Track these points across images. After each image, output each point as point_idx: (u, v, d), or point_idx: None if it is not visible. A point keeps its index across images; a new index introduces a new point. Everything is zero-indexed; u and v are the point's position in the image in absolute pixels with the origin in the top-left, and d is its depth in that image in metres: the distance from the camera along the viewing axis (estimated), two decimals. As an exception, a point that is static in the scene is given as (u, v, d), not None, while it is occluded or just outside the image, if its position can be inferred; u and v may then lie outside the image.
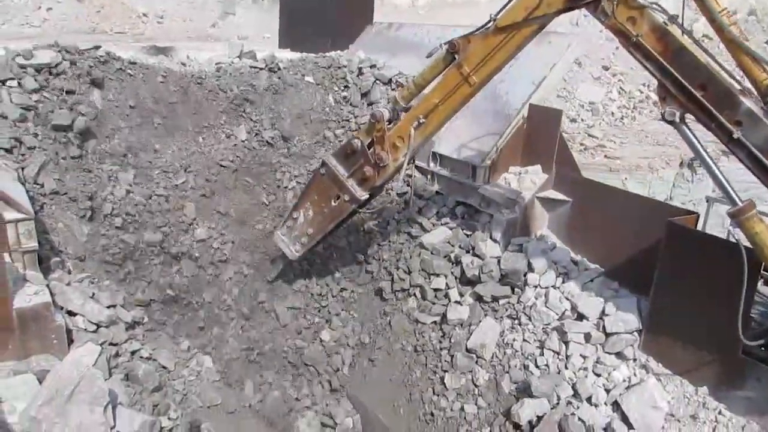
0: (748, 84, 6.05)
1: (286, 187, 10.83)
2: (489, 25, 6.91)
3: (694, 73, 5.87)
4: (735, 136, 5.72)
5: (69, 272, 7.51)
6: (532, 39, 7.01)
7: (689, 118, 6.18)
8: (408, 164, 7.93)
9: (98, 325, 7.16)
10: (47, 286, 6.82)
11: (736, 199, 5.92)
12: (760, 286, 7.12)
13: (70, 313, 7.08)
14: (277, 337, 9.78)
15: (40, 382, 5.96)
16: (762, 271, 6.59)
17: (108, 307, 7.40)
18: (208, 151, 10.35)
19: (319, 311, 10.34)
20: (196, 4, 23.93)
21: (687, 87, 5.89)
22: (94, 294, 7.38)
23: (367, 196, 8.33)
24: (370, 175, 7.97)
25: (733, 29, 5.92)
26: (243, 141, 10.84)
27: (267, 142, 10.99)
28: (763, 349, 6.41)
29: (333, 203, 8.40)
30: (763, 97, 5.83)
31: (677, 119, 6.10)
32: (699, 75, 5.86)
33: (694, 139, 6.20)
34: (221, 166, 10.35)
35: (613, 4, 6.05)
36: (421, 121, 7.49)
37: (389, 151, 7.76)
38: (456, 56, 7.11)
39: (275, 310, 9.91)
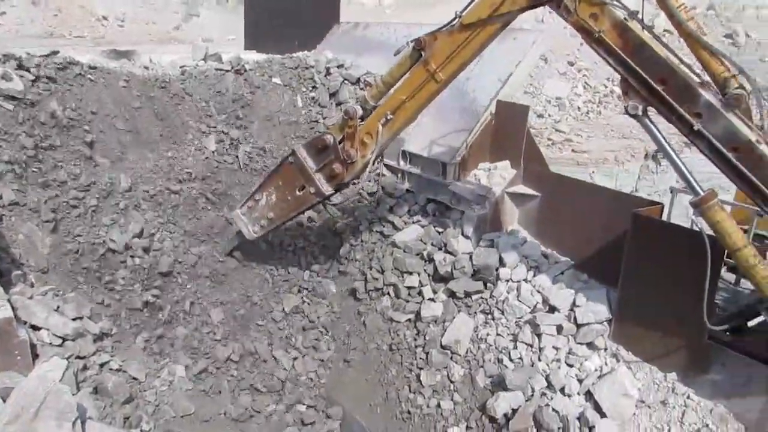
0: (707, 77, 6.18)
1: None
2: (454, 22, 7.03)
3: (654, 68, 6.00)
4: (695, 128, 5.86)
5: (32, 285, 7.30)
6: (497, 36, 7.13)
7: (652, 111, 6.31)
8: (375, 161, 8.03)
9: (64, 339, 6.98)
10: (8, 300, 6.61)
11: (698, 189, 6.04)
12: (723, 272, 7.29)
13: (34, 328, 6.88)
14: (249, 342, 9.68)
15: (4, 401, 5.79)
16: (725, 258, 6.73)
17: (74, 319, 7.23)
18: (173, 162, 10.13)
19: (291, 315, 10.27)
20: (157, 6, 23.57)
21: (648, 81, 6.04)
22: (58, 307, 7.19)
23: (333, 191, 8.42)
24: (339, 172, 8.04)
25: (691, 24, 6.08)
26: (213, 151, 10.66)
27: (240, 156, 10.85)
28: (727, 333, 6.55)
29: (297, 193, 8.48)
30: (721, 89, 5.97)
31: (640, 113, 6.24)
32: (659, 69, 5.99)
33: (656, 132, 6.34)
34: (184, 179, 10.15)
35: (575, 1, 6.18)
36: (388, 117, 7.60)
37: (358, 148, 7.85)
38: (422, 53, 7.21)
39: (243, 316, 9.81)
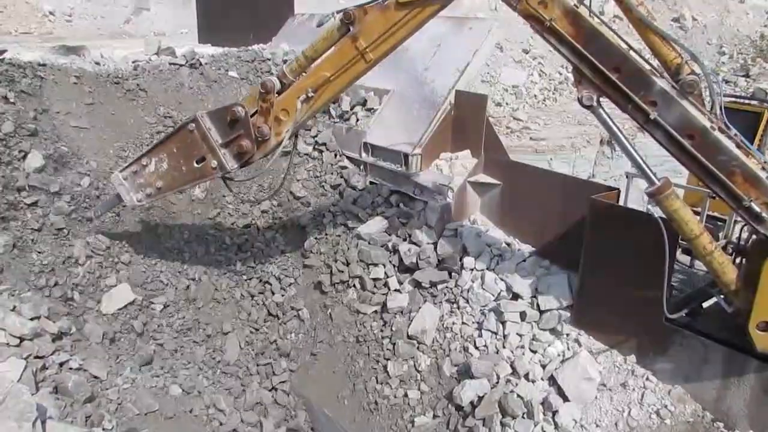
0: (656, 64, 6.26)
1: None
2: None
3: (607, 56, 5.90)
4: (652, 116, 5.85)
5: (-14, 287, 7.08)
6: (433, 17, 6.64)
7: (604, 101, 6.28)
8: (289, 140, 7.28)
9: (21, 339, 6.77)
10: (-38, 302, 6.40)
11: (653, 178, 6.08)
12: (678, 255, 7.50)
13: (-10, 329, 6.68)
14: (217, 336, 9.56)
15: (-39, 404, 5.60)
16: (680, 241, 6.94)
17: (32, 319, 7.02)
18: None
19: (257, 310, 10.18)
20: (106, 1, 22.89)
21: (602, 70, 5.95)
22: (15, 307, 6.98)
23: (237, 167, 7.49)
24: (248, 149, 7.17)
25: (640, 9, 6.09)
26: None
27: None
28: (684, 315, 6.75)
29: (195, 164, 7.52)
30: (673, 76, 5.99)
31: (594, 103, 6.17)
32: (613, 57, 5.91)
33: (611, 123, 6.31)
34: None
35: None
36: (309, 94, 6.86)
37: (272, 125, 7.08)
38: (351, 27, 6.59)
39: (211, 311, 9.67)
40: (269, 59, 12.40)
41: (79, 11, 22.02)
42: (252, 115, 7.10)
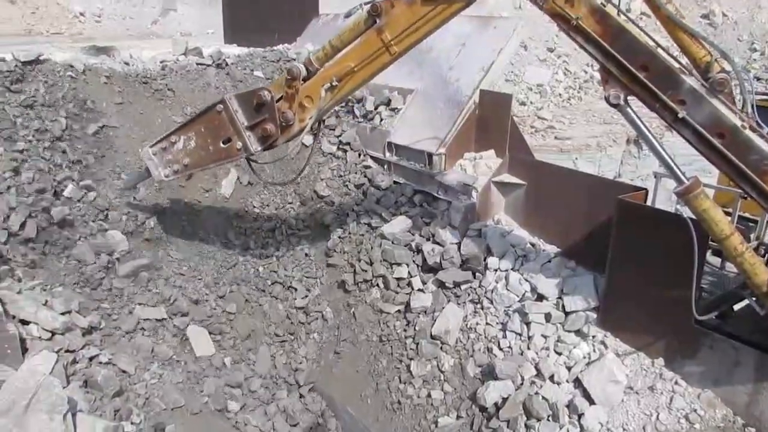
0: (685, 62, 6.12)
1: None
2: None
3: (635, 54, 5.83)
4: (680, 115, 5.75)
5: (19, 280, 7.24)
6: (459, 13, 6.68)
7: (631, 99, 6.19)
8: (313, 127, 7.44)
9: (53, 333, 6.94)
10: (-3, 295, 6.58)
11: (682, 177, 5.97)
12: (708, 256, 7.37)
13: (23, 322, 6.84)
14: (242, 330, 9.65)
15: (-5, 395, 5.75)
16: (710, 242, 6.82)
17: (62, 313, 7.17)
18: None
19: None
20: (135, 2, 23.27)
21: (629, 68, 5.86)
22: (47, 301, 7.14)
23: (261, 150, 7.71)
24: (273, 132, 7.36)
25: (669, 7, 5.97)
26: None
27: None
28: (714, 318, 6.63)
29: (221, 145, 7.73)
30: (703, 74, 5.87)
31: (621, 102, 6.09)
32: (640, 55, 5.83)
33: (639, 122, 6.21)
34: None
35: None
36: (333, 83, 7.01)
37: (296, 110, 7.27)
38: (377, 19, 6.69)
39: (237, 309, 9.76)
40: (294, 59, 12.46)
41: (108, 12, 22.41)
42: (277, 100, 7.26)
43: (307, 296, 10.30)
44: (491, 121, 10.03)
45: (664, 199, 8.20)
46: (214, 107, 7.59)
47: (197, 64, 11.52)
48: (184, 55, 11.95)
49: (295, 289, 10.32)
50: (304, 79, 7.15)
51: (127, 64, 10.88)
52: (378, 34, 6.74)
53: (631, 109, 6.21)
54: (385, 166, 11.11)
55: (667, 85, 5.78)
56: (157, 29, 22.51)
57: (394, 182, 10.86)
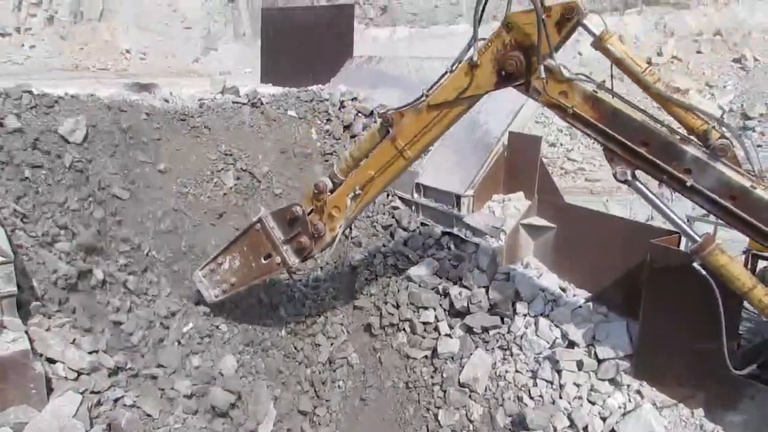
0: (683, 131, 6.19)
1: None
2: (421, 100, 6.98)
3: (633, 132, 6.04)
4: (688, 184, 5.87)
5: (49, 317, 7.30)
6: (465, 113, 7.12)
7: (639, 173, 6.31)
8: (343, 234, 7.89)
9: (79, 373, 6.92)
10: (26, 332, 6.60)
11: (694, 236, 6.03)
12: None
13: (50, 360, 6.85)
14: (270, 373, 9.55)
15: (18, 436, 5.75)
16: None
17: (90, 352, 7.20)
18: (194, 198, 10.18)
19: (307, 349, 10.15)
20: (178, 40, 24.17)
21: (630, 146, 6.05)
22: (75, 339, 7.17)
23: (299, 262, 8.28)
24: (307, 245, 7.89)
25: (658, 86, 6.07)
26: (231, 187, 10.70)
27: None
28: (755, 367, 6.39)
29: (263, 261, 8.27)
30: (703, 142, 5.94)
31: (629, 177, 6.23)
32: (638, 133, 6.02)
33: (649, 194, 6.35)
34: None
35: (543, 81, 6.21)
36: (357, 192, 7.51)
37: (326, 221, 7.77)
38: (390, 129, 7.18)
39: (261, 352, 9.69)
40: (327, 100, 12.68)
41: (153, 49, 23.33)
42: (308, 214, 7.80)
43: (332, 344, 10.11)
44: (520, 163, 9.99)
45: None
46: (253, 227, 8.24)
47: (233, 102, 11.79)
48: (221, 94, 12.25)
49: (319, 345, 10.13)
50: (331, 191, 7.68)
51: (166, 101, 11.18)
52: (392, 143, 7.21)
53: (640, 183, 6.33)
54: (413, 208, 11.10)
55: (670, 156, 5.94)
56: (198, 67, 23.29)
57: (422, 224, 10.82)
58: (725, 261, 5.84)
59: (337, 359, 10.00)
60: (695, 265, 5.93)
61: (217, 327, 9.10)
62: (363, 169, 7.47)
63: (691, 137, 6.03)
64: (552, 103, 6.33)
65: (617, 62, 6.16)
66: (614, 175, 6.31)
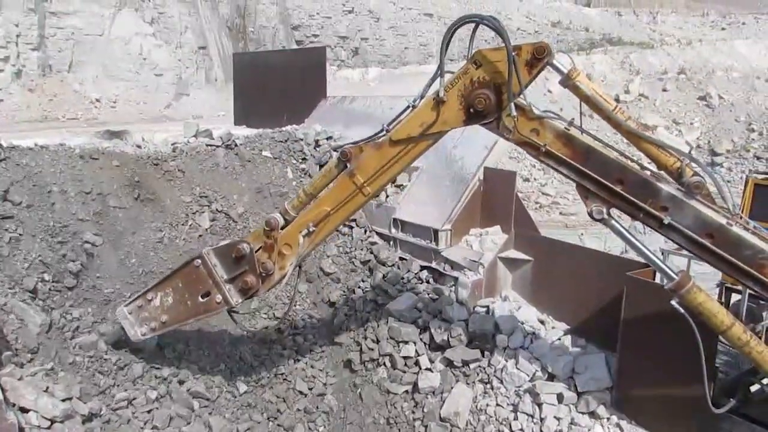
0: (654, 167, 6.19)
1: None
2: (381, 134, 6.77)
3: (608, 170, 5.99)
4: (666, 222, 5.81)
5: (21, 366, 7.11)
6: (428, 150, 6.89)
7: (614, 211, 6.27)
8: (293, 273, 7.44)
9: (53, 421, 6.72)
10: (-3, 382, 6.43)
11: (671, 273, 5.95)
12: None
13: (23, 410, 6.65)
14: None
15: (-11, 490, 5.53)
16: None
17: (63, 400, 7.00)
18: (169, 240, 10.08)
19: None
20: (149, 87, 24.24)
21: (606, 184, 6.00)
22: (48, 387, 6.98)
23: (241, 301, 7.67)
24: (253, 284, 7.35)
25: (630, 123, 6.09)
26: (206, 229, 10.64)
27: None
28: (731, 400, 6.42)
29: (200, 299, 7.61)
30: (677, 179, 5.95)
31: (605, 215, 6.14)
32: (614, 170, 5.98)
33: (625, 232, 6.27)
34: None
35: (513, 119, 6.12)
36: (311, 229, 7.10)
37: (276, 259, 7.30)
38: (348, 164, 6.88)
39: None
40: (302, 139, 12.79)
41: (123, 97, 23.33)
42: (256, 251, 7.30)
43: (311, 388, 9.81)
44: (496, 197, 10.14)
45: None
46: (192, 262, 7.60)
47: (207, 145, 11.80)
48: (194, 137, 12.27)
49: (300, 392, 9.76)
50: (282, 227, 7.25)
51: (138, 146, 11.16)
52: (350, 178, 6.90)
53: (616, 221, 6.27)
54: (391, 243, 11.15)
55: (646, 194, 5.90)
56: (170, 113, 23.33)
57: (400, 258, 10.86)
58: (703, 299, 5.79)
59: (314, 410, 9.65)
60: (673, 303, 5.84)
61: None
62: (318, 205, 7.11)
63: (663, 174, 6.02)
64: (523, 141, 6.20)
65: (586, 100, 6.15)
66: (590, 214, 6.15)
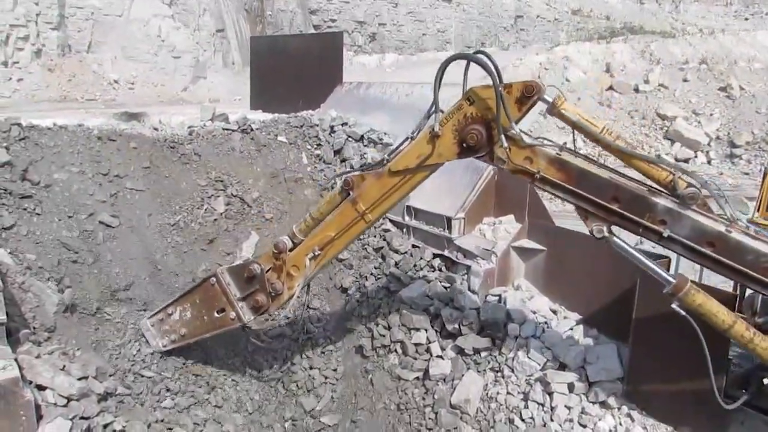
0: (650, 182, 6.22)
1: None
2: (383, 165, 7.05)
3: (603, 190, 6.09)
4: (665, 235, 5.87)
5: (39, 344, 7.26)
6: (426, 179, 7.13)
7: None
8: (301, 292, 7.83)
9: (69, 399, 6.88)
10: (15, 359, 6.56)
11: (668, 278, 5.99)
12: None
13: (40, 387, 6.80)
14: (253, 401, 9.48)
15: (7, 464, 5.68)
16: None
17: (79, 378, 7.15)
18: (184, 224, 10.16)
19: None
20: (167, 70, 24.27)
21: (602, 203, 6.10)
22: (64, 366, 7.13)
23: (253, 319, 8.21)
24: (264, 303, 7.84)
25: (619, 143, 6.14)
26: (221, 213, 10.72)
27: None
28: (743, 391, 6.42)
29: (215, 315, 8.18)
30: (671, 192, 5.98)
31: (606, 233, 6.23)
32: (608, 189, 6.07)
33: (629, 248, 6.31)
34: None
35: (505, 150, 6.26)
36: (316, 252, 7.45)
37: (284, 280, 7.71)
38: (350, 192, 7.20)
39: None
40: (317, 125, 12.79)
41: (141, 79, 23.39)
42: (267, 271, 7.73)
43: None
44: (510, 186, 10.08)
45: (687, 267, 8.07)
46: (208, 280, 8.15)
47: (223, 129, 11.85)
48: (211, 121, 12.32)
49: (312, 385, 9.96)
50: (290, 250, 7.62)
51: (156, 129, 11.23)
52: (353, 205, 7.21)
53: (618, 238, 6.32)
54: (404, 230, 11.15)
55: (643, 210, 5.96)
56: (187, 96, 23.38)
57: (413, 246, 10.86)
58: (702, 300, 5.84)
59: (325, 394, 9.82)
60: (674, 306, 5.89)
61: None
62: (323, 230, 7.44)
63: (659, 189, 6.07)
64: (518, 170, 6.37)
65: (573, 125, 6.26)
66: (591, 233, 6.29)
